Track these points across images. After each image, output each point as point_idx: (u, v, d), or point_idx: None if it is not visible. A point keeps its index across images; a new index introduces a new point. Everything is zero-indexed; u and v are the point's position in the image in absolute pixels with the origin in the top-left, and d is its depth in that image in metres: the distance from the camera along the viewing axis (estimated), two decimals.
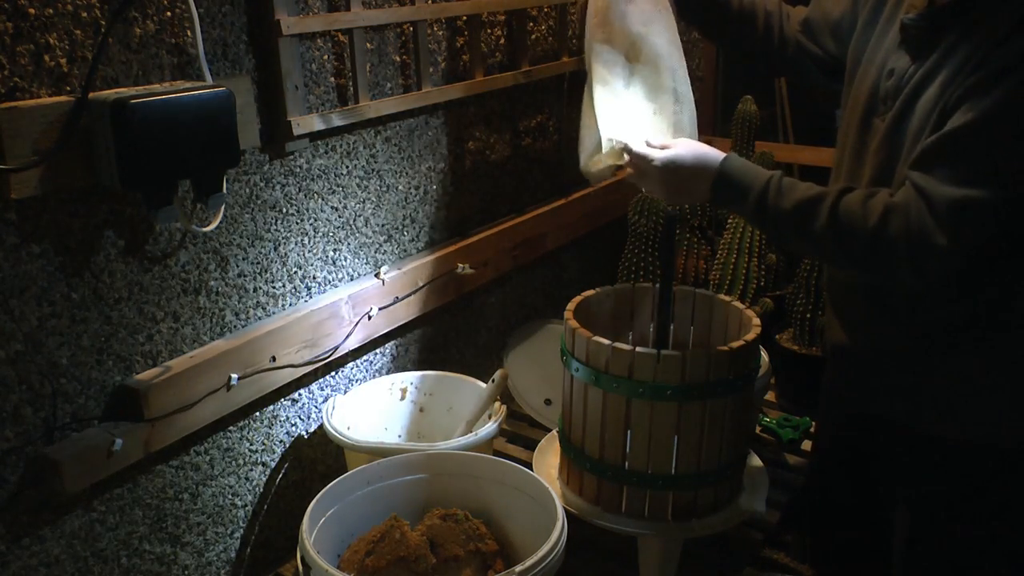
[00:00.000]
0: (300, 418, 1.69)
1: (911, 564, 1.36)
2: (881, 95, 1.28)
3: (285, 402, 1.65)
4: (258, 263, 1.54)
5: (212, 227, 1.40)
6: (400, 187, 1.82)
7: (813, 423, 1.98)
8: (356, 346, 1.73)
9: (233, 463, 1.56)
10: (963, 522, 1.30)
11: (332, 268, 1.70)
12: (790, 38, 1.53)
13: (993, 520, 1.28)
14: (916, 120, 1.21)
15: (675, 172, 1.34)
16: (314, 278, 1.66)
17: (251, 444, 1.59)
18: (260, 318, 1.56)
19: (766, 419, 1.98)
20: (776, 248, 2.40)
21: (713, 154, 1.34)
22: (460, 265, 1.92)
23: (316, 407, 1.72)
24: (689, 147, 1.35)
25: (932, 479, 1.31)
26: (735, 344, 1.37)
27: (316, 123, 1.55)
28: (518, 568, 1.18)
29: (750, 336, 1.41)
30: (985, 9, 1.16)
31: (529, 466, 1.50)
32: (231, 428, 1.54)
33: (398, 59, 1.75)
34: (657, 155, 1.35)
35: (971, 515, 1.29)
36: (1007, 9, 1.13)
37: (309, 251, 1.64)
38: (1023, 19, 1.11)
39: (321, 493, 1.37)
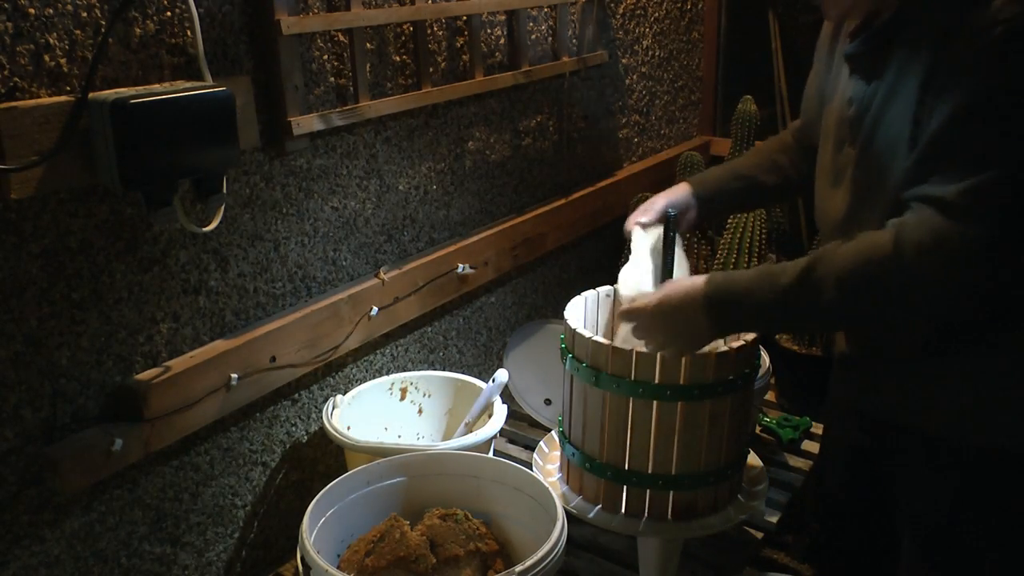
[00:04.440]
0: (300, 418, 1.69)
1: (918, 566, 1.36)
2: (848, 124, 1.29)
3: (285, 402, 1.65)
4: (258, 263, 1.54)
5: (212, 227, 1.39)
6: (400, 187, 1.82)
7: (813, 423, 1.98)
8: (356, 346, 1.73)
9: (233, 463, 1.56)
10: (971, 525, 1.29)
11: (332, 268, 1.70)
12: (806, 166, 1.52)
13: (1001, 524, 1.28)
14: (886, 138, 1.20)
15: (665, 314, 1.28)
16: (314, 278, 1.66)
17: (251, 444, 1.59)
18: (260, 318, 1.56)
19: (766, 419, 1.98)
20: (776, 249, 2.40)
21: (694, 279, 1.27)
22: (460, 265, 1.92)
23: (316, 407, 1.72)
24: (672, 285, 1.30)
25: (940, 482, 1.31)
26: (735, 344, 1.37)
27: (316, 123, 1.55)
28: (518, 568, 1.18)
29: (750, 336, 1.41)
30: (921, 19, 1.15)
31: (529, 466, 1.50)
32: (231, 428, 1.54)
33: (398, 59, 1.75)
34: (645, 301, 1.30)
35: (979, 519, 1.29)
36: (941, 8, 1.12)
37: (309, 251, 1.64)
38: (961, 16, 1.10)
39: (321, 493, 1.37)
